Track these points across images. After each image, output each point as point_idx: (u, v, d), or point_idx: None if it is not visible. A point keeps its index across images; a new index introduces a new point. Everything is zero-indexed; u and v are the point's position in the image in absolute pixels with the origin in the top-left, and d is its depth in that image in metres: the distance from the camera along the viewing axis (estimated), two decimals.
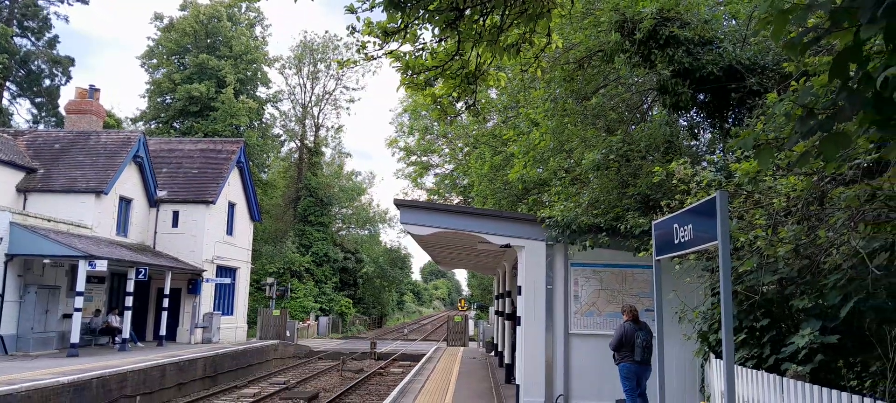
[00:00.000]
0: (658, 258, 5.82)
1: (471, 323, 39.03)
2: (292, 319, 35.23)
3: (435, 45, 6.29)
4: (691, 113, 11.58)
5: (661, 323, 5.93)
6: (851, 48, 3.22)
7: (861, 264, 5.68)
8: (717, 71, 9.74)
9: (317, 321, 42.50)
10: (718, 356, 7.89)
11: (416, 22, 5.77)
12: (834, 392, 4.43)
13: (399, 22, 5.79)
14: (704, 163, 10.84)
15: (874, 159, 5.41)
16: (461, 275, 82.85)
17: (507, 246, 11.30)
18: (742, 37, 10.17)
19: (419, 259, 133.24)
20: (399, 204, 11.46)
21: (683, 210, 5.18)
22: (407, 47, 6.49)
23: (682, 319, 8.57)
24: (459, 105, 6.81)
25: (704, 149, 12.44)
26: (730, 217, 7.12)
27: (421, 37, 6.30)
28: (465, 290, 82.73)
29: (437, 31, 5.85)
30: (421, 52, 6.53)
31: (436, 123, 26.84)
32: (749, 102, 9.75)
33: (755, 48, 9.83)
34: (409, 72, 6.21)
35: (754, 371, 5.90)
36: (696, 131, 12.09)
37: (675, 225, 5.31)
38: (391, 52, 6.25)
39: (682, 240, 5.18)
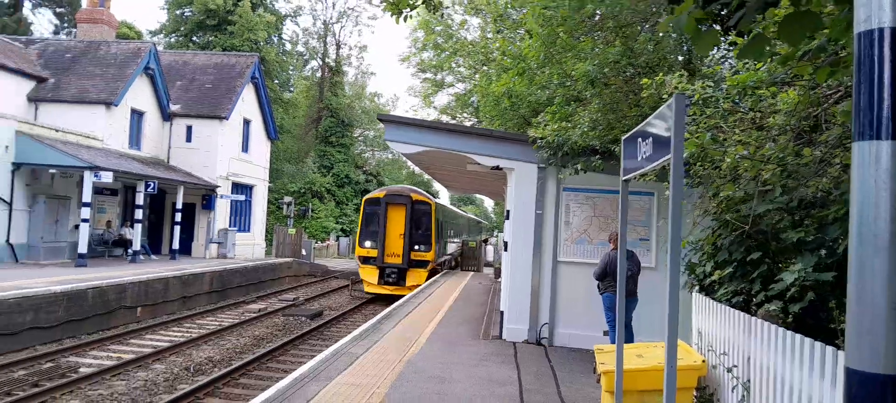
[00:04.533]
0: (624, 178, 5.09)
1: (491, 248, 38.80)
2: (312, 238, 35.42)
3: None
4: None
5: (624, 250, 5.27)
6: None
7: None
8: None
9: (337, 241, 42.83)
10: (703, 290, 7.25)
11: None
12: (798, 337, 3.78)
13: None
14: (722, 85, 9.84)
15: None
16: (490, 203, 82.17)
17: (498, 167, 10.61)
18: None
19: None
20: (383, 118, 10.82)
21: (645, 121, 4.42)
22: None
23: None
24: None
25: (728, 65, 11.33)
26: (719, 136, 6.32)
27: None
28: (493, 217, 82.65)
29: None
30: None
31: (451, 39, 25.64)
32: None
33: None
34: None
35: (724, 306, 5.27)
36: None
37: (639, 140, 4.58)
38: None
39: (644, 156, 4.45)
